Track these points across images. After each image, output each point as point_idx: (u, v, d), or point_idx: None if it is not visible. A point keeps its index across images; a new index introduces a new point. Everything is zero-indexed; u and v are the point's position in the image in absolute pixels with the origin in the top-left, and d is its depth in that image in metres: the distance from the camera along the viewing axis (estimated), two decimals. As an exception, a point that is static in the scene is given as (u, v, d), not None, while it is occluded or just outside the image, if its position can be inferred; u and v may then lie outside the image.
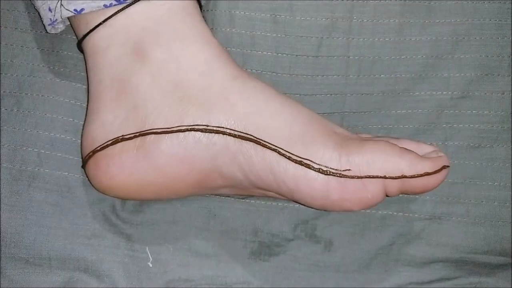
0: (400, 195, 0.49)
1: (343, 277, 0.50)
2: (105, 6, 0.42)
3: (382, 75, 0.50)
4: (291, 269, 0.50)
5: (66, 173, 0.49)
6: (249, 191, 0.46)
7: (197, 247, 0.49)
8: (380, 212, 0.50)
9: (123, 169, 0.43)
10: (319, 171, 0.41)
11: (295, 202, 0.45)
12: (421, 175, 0.41)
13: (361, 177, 0.41)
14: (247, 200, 0.50)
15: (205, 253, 0.49)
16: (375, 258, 0.50)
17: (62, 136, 0.49)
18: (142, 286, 0.49)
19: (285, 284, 0.49)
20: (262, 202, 0.50)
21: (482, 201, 0.50)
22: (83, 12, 0.43)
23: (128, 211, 0.49)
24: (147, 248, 0.49)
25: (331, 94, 0.50)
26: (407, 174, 0.41)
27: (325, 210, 0.46)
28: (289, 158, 0.42)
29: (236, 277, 0.49)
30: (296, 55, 0.50)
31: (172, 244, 0.49)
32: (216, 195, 0.49)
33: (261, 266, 0.50)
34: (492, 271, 0.50)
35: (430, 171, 0.42)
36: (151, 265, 0.49)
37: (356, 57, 0.50)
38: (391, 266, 0.50)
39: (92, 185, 0.46)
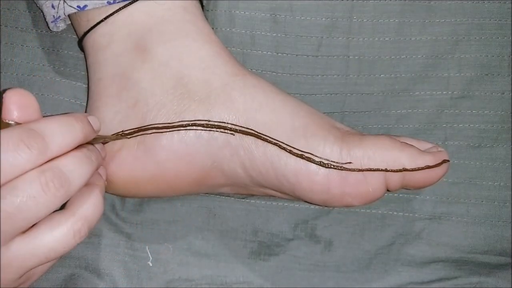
0: (400, 195, 0.49)
1: (343, 277, 0.49)
2: (109, 3, 0.42)
3: (382, 75, 0.50)
4: (291, 269, 0.49)
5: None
6: (250, 190, 0.46)
7: (197, 247, 0.49)
8: (380, 211, 0.50)
9: (123, 166, 0.43)
10: (320, 164, 0.41)
11: (296, 198, 0.44)
12: (422, 168, 0.41)
13: (362, 170, 0.41)
14: (247, 200, 0.50)
15: (205, 253, 0.49)
16: (375, 258, 0.50)
17: (62, 134, 0.49)
18: (142, 285, 0.48)
19: (285, 284, 0.49)
20: (262, 202, 0.50)
21: (482, 201, 0.50)
22: (86, 8, 0.43)
23: (128, 210, 0.49)
24: (147, 248, 0.49)
25: (331, 94, 0.50)
26: (408, 168, 0.41)
27: (326, 206, 0.45)
28: (290, 152, 0.42)
29: (236, 277, 0.49)
30: (296, 55, 0.50)
31: (172, 243, 0.49)
32: (216, 194, 0.49)
33: (261, 266, 0.49)
34: (492, 271, 0.49)
35: (430, 164, 0.42)
36: (151, 265, 0.48)
37: (356, 57, 0.50)
38: (391, 266, 0.49)
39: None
